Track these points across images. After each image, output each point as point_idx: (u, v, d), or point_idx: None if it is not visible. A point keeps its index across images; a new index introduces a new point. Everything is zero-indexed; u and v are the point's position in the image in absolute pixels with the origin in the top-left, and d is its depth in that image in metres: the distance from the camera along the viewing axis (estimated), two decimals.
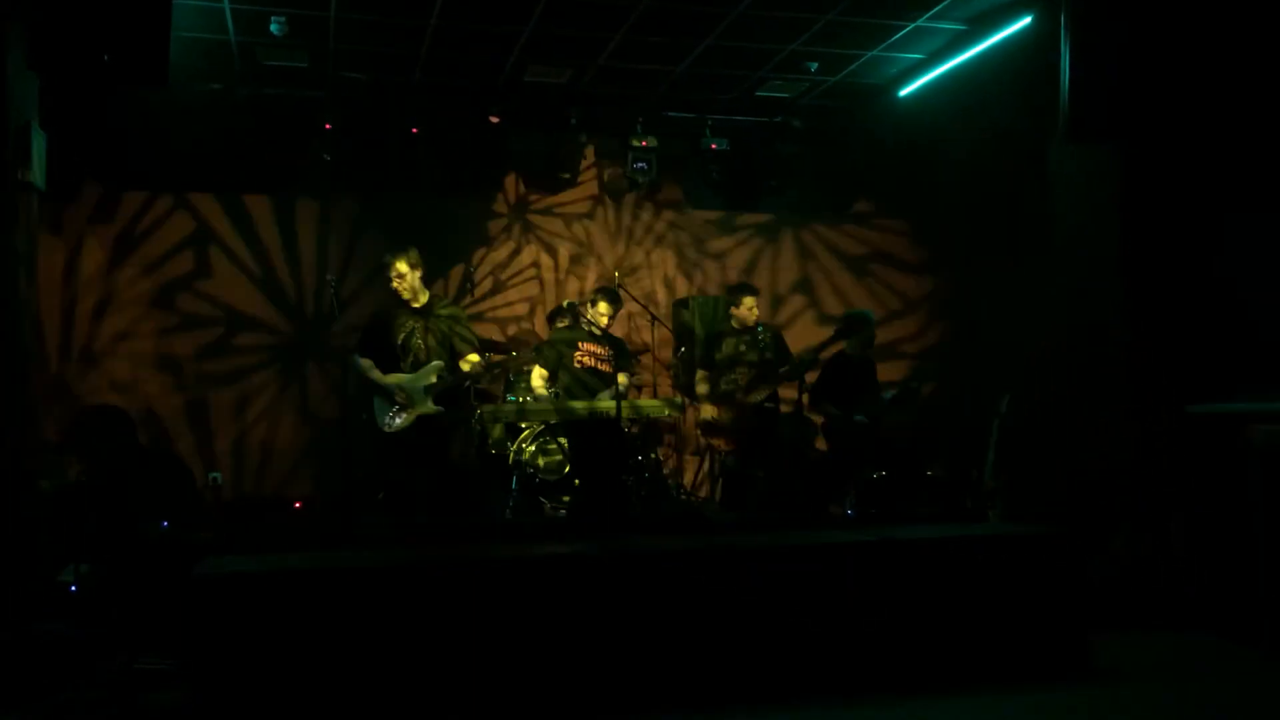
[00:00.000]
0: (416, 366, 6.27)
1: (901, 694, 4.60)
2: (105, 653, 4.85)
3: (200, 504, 7.97)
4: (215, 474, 8.40)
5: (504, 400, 8.06)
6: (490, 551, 4.96)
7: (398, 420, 6.20)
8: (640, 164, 9.16)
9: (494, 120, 8.84)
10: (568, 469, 7.68)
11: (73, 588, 5.46)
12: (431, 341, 6.36)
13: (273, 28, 7.28)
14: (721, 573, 4.71)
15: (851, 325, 7.55)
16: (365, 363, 6.42)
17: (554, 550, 4.85)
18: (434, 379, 6.23)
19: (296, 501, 7.83)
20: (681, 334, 9.12)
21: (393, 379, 6.25)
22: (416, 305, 6.45)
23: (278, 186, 8.84)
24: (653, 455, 8.01)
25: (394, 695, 4.27)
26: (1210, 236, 6.42)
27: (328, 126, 8.54)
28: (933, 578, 4.91)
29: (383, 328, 6.36)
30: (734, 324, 7.73)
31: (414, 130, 8.73)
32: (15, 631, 4.86)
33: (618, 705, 4.41)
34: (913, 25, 7.69)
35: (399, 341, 6.27)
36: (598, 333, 7.24)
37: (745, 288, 7.84)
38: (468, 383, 6.43)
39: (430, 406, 6.22)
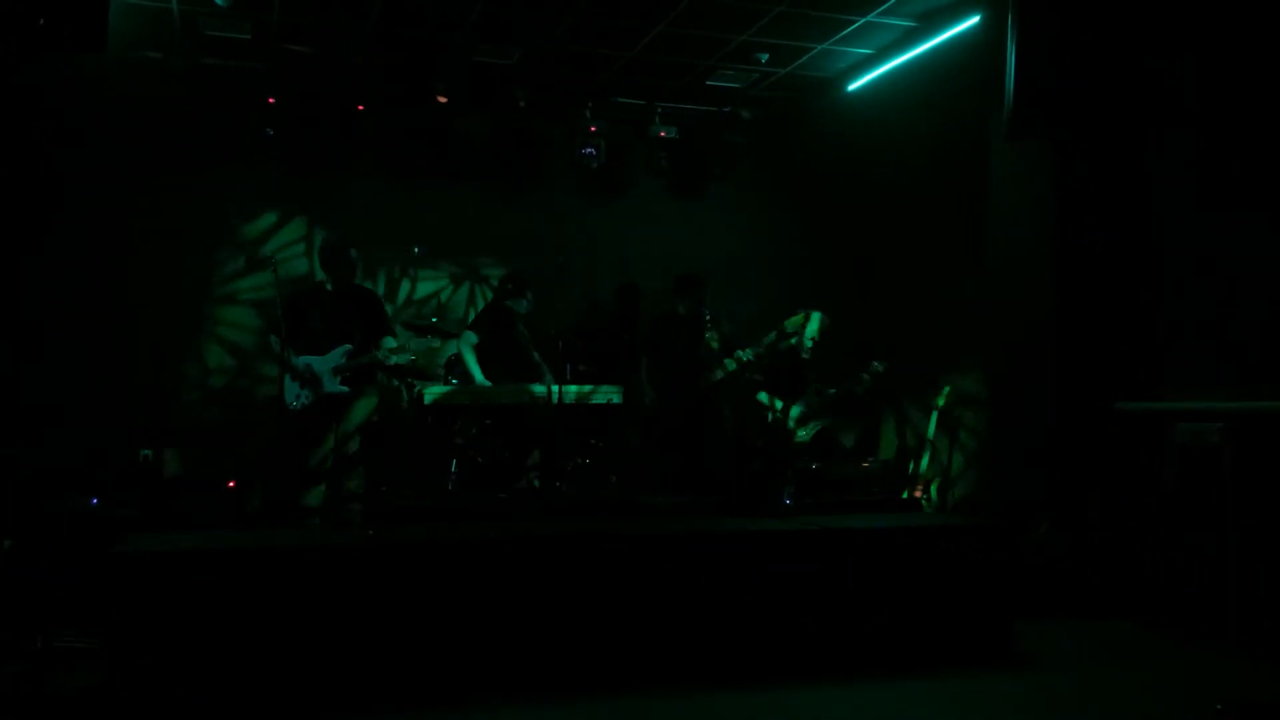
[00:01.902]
0: (330, 347, 6.25)
1: (831, 678, 4.66)
2: (25, 630, 4.74)
3: (131, 481, 7.81)
4: (146, 450, 8.24)
5: (444, 381, 8.00)
6: (411, 534, 4.93)
7: (302, 400, 6.19)
8: (588, 149, 9.12)
9: (441, 100, 8.75)
10: (507, 454, 7.65)
11: None
12: (345, 322, 6.34)
13: None
14: (654, 558, 4.73)
15: (799, 322, 7.66)
16: (278, 341, 6.37)
17: (477, 533, 4.83)
18: (342, 360, 6.24)
19: (229, 480, 7.70)
20: (625, 321, 9.12)
21: (301, 359, 6.22)
22: (334, 287, 6.42)
23: (215, 160, 8.66)
24: (592, 441, 8.00)
25: (317, 676, 4.23)
26: (1144, 238, 6.55)
27: (270, 100, 8.39)
28: (867, 566, 4.97)
29: (300, 308, 6.30)
30: (680, 311, 7.73)
31: (359, 107, 8.61)
32: None
33: (528, 687, 4.43)
34: (863, 20, 7.74)
35: (315, 322, 6.21)
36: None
37: (692, 278, 7.84)
38: (379, 363, 6.41)
39: (336, 387, 6.23)
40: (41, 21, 5.36)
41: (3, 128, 7.59)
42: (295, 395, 6.24)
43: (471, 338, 7.49)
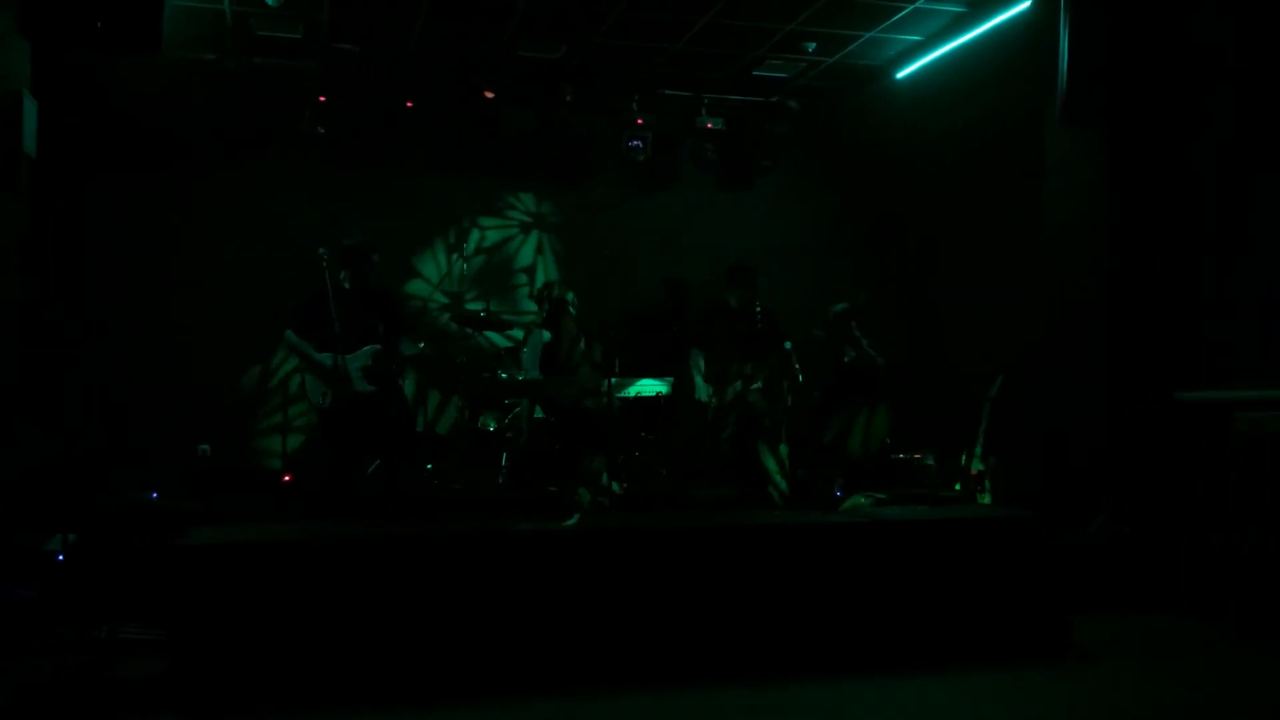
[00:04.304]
0: (350, 346, 6.29)
1: (889, 672, 4.63)
2: (89, 622, 4.85)
3: (189, 475, 7.95)
4: (204, 445, 8.38)
5: (494, 376, 8.05)
6: (460, 527, 4.96)
7: (329, 398, 6.24)
8: (635, 142, 9.12)
9: (488, 96, 8.79)
10: (557, 446, 7.68)
11: (59, 557, 5.45)
12: (365, 322, 6.39)
13: None
14: (701, 552, 4.72)
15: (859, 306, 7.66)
16: (298, 339, 6.41)
17: (529, 526, 4.86)
18: (369, 359, 6.31)
19: (285, 474, 7.82)
20: (673, 313, 9.12)
21: (325, 356, 6.26)
22: (352, 286, 6.46)
23: (269, 158, 8.77)
24: (643, 434, 8.00)
25: (376, 665, 4.28)
26: (1200, 223, 6.42)
27: (321, 99, 8.49)
28: (921, 559, 4.93)
29: (319, 305, 6.31)
30: (731, 304, 7.70)
31: (408, 104, 8.68)
32: (1, 598, 4.86)
33: (592, 678, 4.44)
34: (912, 7, 7.66)
35: (333, 320, 6.20)
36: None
37: (744, 267, 7.79)
38: (399, 365, 6.49)
39: (365, 385, 6.30)
40: (99, 24, 5.47)
41: (63, 128, 7.74)
42: (321, 393, 6.29)
43: (544, 336, 7.57)
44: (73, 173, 8.23)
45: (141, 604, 4.93)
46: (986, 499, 7.16)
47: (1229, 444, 5.53)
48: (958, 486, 7.37)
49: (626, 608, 4.58)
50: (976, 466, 7.30)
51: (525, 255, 9.66)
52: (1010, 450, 7.32)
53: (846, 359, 7.67)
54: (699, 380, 7.57)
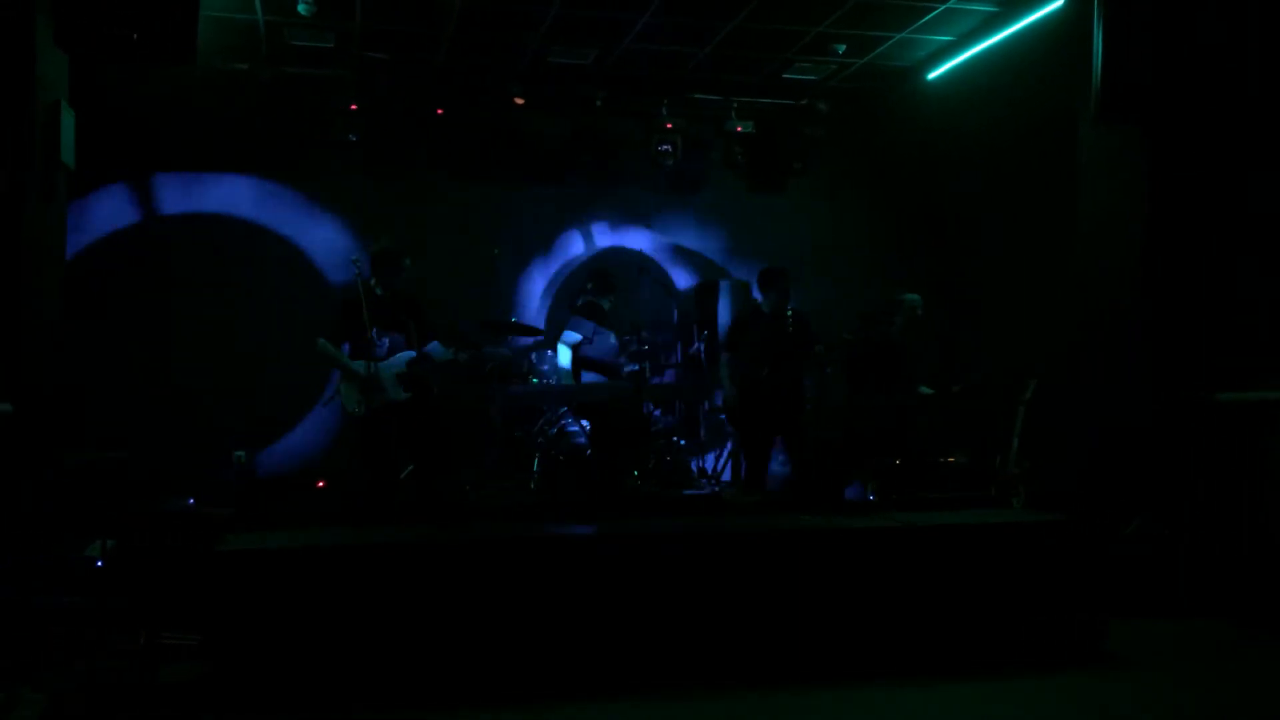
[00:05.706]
0: (383, 352, 6.32)
1: (923, 677, 4.60)
2: (129, 627, 4.90)
3: (225, 482, 8.03)
4: (240, 452, 8.45)
5: (527, 381, 8.07)
6: (499, 531, 4.99)
7: (364, 406, 6.26)
8: (664, 146, 9.12)
9: (518, 102, 8.82)
10: (589, 451, 7.68)
11: (99, 563, 5.51)
12: (398, 328, 6.41)
13: (300, 7, 7.29)
14: (732, 557, 4.71)
15: (892, 307, 7.60)
16: (331, 347, 6.43)
17: (561, 531, 4.89)
18: (404, 367, 6.33)
19: (320, 480, 7.87)
20: (705, 317, 9.10)
21: (359, 363, 6.27)
22: (384, 292, 6.48)
23: (301, 167, 8.85)
24: (674, 439, 7.99)
25: (412, 669, 4.31)
26: (1237, 222, 6.33)
27: (354, 107, 8.55)
28: (954, 564, 4.90)
29: (352, 313, 6.32)
30: (764, 308, 7.68)
31: (439, 111, 8.73)
32: (40, 604, 4.92)
33: (620, 683, 4.44)
34: (944, 7, 7.61)
35: (368, 327, 6.20)
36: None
37: (776, 271, 7.76)
38: (433, 371, 6.52)
39: (400, 393, 6.32)
40: (135, 36, 5.54)
41: (98, 139, 7.85)
42: (356, 401, 6.31)
43: (575, 337, 7.57)
44: (105, 181, 8.36)
45: (179, 609, 4.98)
46: (1019, 502, 7.09)
47: (1271, 445, 5.45)
48: (992, 490, 7.30)
49: (648, 612, 4.58)
50: (1010, 469, 7.23)
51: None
52: (1045, 453, 7.25)
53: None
54: (727, 384, 7.55)
